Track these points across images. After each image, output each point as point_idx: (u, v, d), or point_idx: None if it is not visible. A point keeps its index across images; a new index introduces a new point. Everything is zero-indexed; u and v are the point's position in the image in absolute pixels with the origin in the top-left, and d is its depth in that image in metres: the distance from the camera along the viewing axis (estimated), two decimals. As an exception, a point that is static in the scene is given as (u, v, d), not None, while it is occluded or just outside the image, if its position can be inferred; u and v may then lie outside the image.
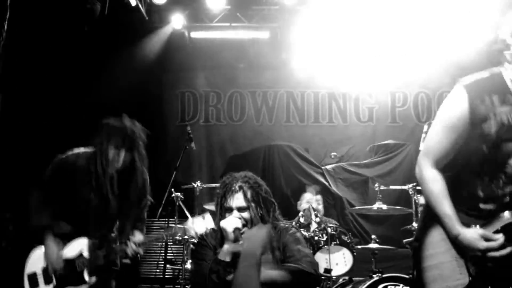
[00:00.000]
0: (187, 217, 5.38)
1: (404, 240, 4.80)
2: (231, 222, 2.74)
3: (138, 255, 3.44)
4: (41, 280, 3.45)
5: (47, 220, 3.42)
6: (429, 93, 8.01)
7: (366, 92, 8.15)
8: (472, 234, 2.15)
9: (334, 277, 4.73)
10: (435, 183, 2.27)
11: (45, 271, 3.45)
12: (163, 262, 5.66)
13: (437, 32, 7.12)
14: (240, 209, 2.80)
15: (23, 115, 5.44)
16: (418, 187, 4.50)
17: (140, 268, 5.88)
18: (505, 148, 2.16)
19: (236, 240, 2.69)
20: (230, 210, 2.81)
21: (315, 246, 4.65)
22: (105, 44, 6.61)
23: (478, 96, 2.18)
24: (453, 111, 2.24)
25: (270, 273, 2.65)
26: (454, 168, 2.30)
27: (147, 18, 7.38)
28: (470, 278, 2.14)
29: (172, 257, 5.71)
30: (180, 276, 5.24)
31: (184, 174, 6.16)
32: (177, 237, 4.48)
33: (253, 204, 2.80)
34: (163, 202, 5.22)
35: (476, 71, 2.31)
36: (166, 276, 5.84)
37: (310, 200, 5.34)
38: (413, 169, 2.43)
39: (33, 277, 3.46)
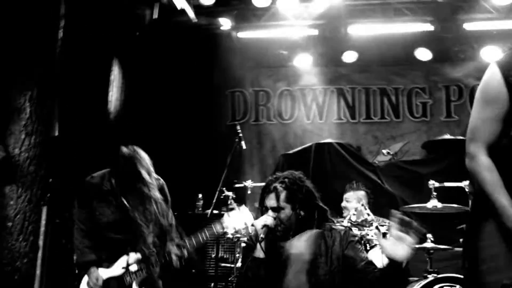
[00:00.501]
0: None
1: (461, 239, 4.63)
2: (260, 220, 2.83)
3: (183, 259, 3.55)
4: None
5: (90, 256, 3.64)
6: (486, 85, 7.66)
7: (419, 87, 7.94)
8: None
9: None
10: (489, 173, 2.14)
11: None
12: (214, 260, 5.73)
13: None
14: (274, 209, 2.85)
15: (78, 122, 5.64)
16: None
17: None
18: None
19: (264, 238, 2.76)
20: (266, 209, 2.88)
21: (368, 245, 4.58)
22: (155, 48, 6.76)
23: (510, 68, 2.13)
24: (490, 86, 2.21)
25: None
26: (500, 153, 2.19)
27: (195, 20, 7.48)
28: None
29: (224, 255, 5.78)
30: (233, 275, 5.29)
31: (235, 173, 6.21)
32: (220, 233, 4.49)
33: (288, 205, 2.83)
34: (214, 201, 5.28)
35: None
36: (219, 274, 5.91)
37: (349, 198, 5.22)
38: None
39: None
